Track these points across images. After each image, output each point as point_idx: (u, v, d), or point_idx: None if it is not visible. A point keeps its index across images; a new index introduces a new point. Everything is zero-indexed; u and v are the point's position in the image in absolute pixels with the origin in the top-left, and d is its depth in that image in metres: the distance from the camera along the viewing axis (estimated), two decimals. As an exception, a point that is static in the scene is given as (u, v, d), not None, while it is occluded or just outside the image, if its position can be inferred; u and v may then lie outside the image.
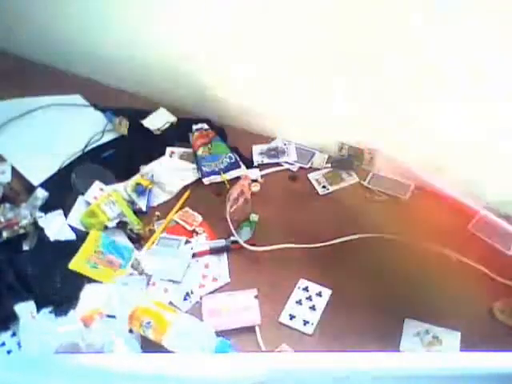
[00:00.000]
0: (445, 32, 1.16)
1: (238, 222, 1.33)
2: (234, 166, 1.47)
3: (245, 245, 1.28)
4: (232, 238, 1.29)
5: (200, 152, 1.49)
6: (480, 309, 1.17)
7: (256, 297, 1.20)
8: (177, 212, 1.39)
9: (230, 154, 1.49)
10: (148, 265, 1.26)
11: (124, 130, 1.57)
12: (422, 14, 1.16)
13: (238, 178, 1.44)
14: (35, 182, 1.43)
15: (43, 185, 1.42)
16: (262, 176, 1.47)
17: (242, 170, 1.47)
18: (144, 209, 1.38)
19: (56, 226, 1.32)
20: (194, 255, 1.29)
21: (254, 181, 1.45)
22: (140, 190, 1.38)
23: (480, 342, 1.09)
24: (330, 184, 1.45)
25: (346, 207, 1.39)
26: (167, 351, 1.07)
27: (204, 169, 1.46)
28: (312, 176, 1.48)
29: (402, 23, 1.19)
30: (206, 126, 1.56)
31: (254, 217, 1.35)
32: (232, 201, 1.33)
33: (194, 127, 1.56)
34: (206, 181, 1.45)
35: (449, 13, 1.12)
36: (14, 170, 1.46)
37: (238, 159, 1.49)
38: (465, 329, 1.12)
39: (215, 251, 1.30)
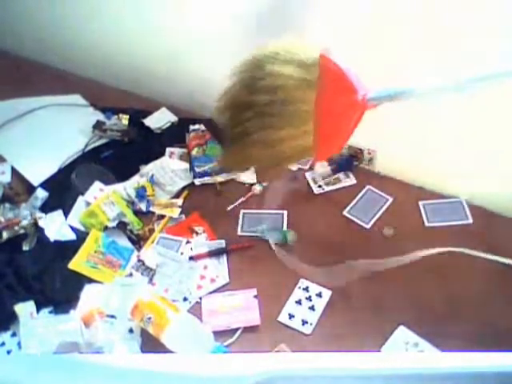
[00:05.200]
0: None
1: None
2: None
3: (274, 246, 1.27)
4: (259, 234, 1.28)
5: (194, 152, 1.50)
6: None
7: (256, 297, 1.21)
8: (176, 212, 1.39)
9: None
10: (150, 264, 1.27)
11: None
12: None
13: (230, 181, 1.46)
14: (35, 182, 1.43)
15: (43, 185, 1.42)
16: (258, 177, 1.47)
17: (235, 174, 1.47)
18: (144, 209, 1.38)
19: (56, 226, 1.32)
20: (191, 258, 1.29)
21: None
22: (141, 194, 1.38)
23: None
24: (326, 184, 1.45)
25: (341, 207, 1.39)
26: (167, 351, 1.07)
27: (196, 169, 1.46)
28: (309, 175, 1.48)
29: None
30: (203, 127, 1.56)
31: (292, 235, 1.30)
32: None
33: (191, 127, 1.56)
34: (197, 181, 1.45)
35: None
36: (13, 169, 1.47)
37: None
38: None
39: (214, 254, 1.30)
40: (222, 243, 1.32)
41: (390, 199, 1.40)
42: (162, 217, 1.38)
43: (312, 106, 1.02)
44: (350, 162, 1.47)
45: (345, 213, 1.37)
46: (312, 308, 1.19)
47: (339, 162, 1.48)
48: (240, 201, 1.41)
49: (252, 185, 1.45)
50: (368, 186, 1.42)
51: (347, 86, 1.00)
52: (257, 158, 1.14)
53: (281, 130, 1.06)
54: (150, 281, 1.25)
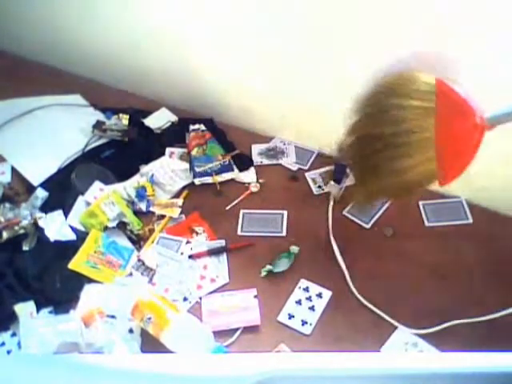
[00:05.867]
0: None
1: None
2: (226, 168, 1.48)
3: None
4: (268, 267, 1.25)
5: (194, 152, 1.50)
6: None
7: (256, 297, 1.21)
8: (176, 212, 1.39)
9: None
10: (150, 264, 1.27)
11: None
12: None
13: (231, 181, 1.46)
14: (35, 182, 1.43)
15: (43, 185, 1.42)
16: (258, 177, 1.47)
17: (235, 173, 1.47)
18: (144, 209, 1.38)
19: (56, 226, 1.32)
20: (191, 257, 1.29)
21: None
22: (141, 194, 1.39)
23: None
24: (325, 184, 1.45)
25: (341, 207, 1.39)
26: (167, 351, 1.07)
27: (196, 169, 1.46)
28: (309, 175, 1.48)
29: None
30: (203, 127, 1.56)
31: (295, 249, 1.29)
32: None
33: (191, 127, 1.56)
34: (197, 181, 1.45)
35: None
36: (14, 169, 1.47)
37: (232, 162, 1.49)
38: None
39: (213, 252, 1.30)
40: (221, 243, 1.32)
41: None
42: (162, 217, 1.38)
43: (433, 133, 1.05)
44: (343, 169, 1.44)
45: (345, 212, 1.37)
46: (312, 308, 1.19)
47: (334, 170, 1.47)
48: (238, 200, 1.41)
49: (250, 183, 1.46)
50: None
51: (464, 109, 1.02)
52: (386, 187, 1.18)
53: (407, 159, 1.09)
54: (150, 281, 1.25)
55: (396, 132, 1.09)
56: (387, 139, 1.11)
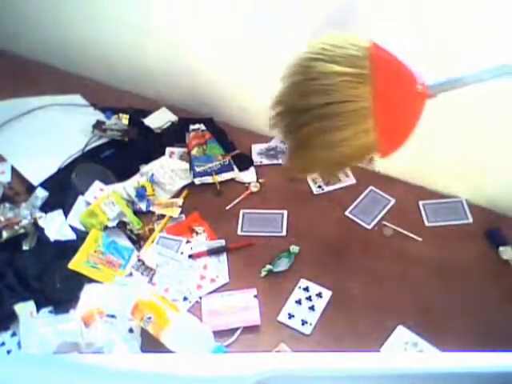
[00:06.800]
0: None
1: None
2: (226, 168, 1.48)
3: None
4: (268, 267, 1.25)
5: (194, 152, 1.50)
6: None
7: (256, 296, 1.21)
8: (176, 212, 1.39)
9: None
10: (150, 264, 1.27)
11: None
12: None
13: (231, 181, 1.46)
14: (35, 181, 1.43)
15: (43, 184, 1.42)
16: (258, 177, 1.47)
17: (235, 173, 1.48)
18: (144, 209, 1.38)
19: (56, 226, 1.32)
20: (191, 256, 1.29)
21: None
22: (141, 193, 1.39)
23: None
24: (325, 184, 1.45)
25: (341, 207, 1.39)
26: (167, 351, 1.07)
27: (196, 169, 1.46)
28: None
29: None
30: (203, 126, 1.56)
31: (295, 249, 1.29)
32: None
33: (191, 127, 1.56)
34: (197, 181, 1.45)
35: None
36: (13, 169, 1.47)
37: (232, 162, 1.49)
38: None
39: (213, 252, 1.30)
40: (221, 243, 1.32)
41: (393, 201, 1.39)
42: (162, 216, 1.38)
43: (370, 102, 0.96)
44: (498, 232, 1.33)
45: (347, 213, 1.37)
46: (312, 308, 1.19)
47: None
48: (238, 200, 1.41)
49: (250, 183, 1.46)
50: (371, 187, 1.42)
51: (405, 76, 0.95)
52: (320, 161, 1.08)
53: (342, 131, 1.00)
54: (150, 281, 1.25)
55: (326, 102, 0.99)
56: (316, 110, 1.00)
